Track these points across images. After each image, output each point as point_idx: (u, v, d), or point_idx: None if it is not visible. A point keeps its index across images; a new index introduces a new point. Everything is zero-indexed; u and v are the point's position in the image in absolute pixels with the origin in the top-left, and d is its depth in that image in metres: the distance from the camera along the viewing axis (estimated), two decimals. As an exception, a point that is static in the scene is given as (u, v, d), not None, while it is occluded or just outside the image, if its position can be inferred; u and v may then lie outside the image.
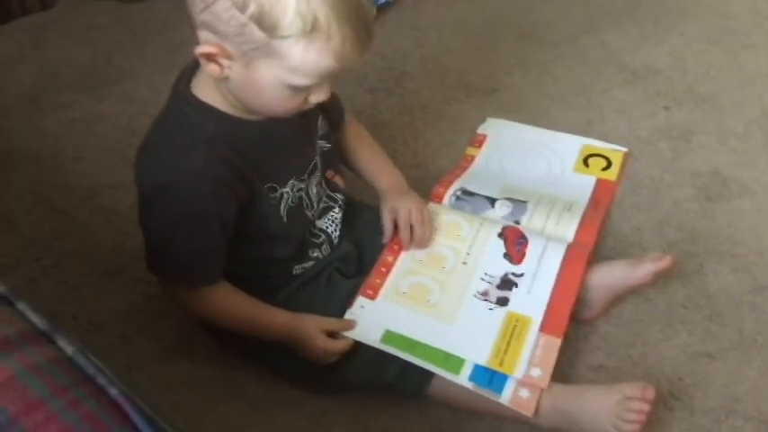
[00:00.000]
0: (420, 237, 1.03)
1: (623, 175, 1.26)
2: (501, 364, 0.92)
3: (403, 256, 1.03)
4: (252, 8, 0.72)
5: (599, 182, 1.23)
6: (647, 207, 1.22)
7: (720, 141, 1.34)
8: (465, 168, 1.26)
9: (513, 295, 0.99)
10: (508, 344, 0.94)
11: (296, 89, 0.79)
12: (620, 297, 1.06)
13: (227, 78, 0.80)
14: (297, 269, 0.97)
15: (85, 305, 1.08)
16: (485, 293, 1.00)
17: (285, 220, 0.91)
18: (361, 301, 0.98)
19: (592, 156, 1.28)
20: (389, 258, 1.03)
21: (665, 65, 1.50)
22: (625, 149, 1.30)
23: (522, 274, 1.01)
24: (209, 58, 0.77)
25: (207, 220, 0.85)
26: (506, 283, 1.01)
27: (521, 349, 0.93)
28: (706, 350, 1.03)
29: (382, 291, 0.99)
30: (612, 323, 1.06)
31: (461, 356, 0.92)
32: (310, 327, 0.91)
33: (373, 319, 0.95)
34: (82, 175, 1.27)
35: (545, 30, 1.59)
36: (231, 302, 0.92)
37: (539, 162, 1.28)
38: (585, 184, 1.22)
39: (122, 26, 1.58)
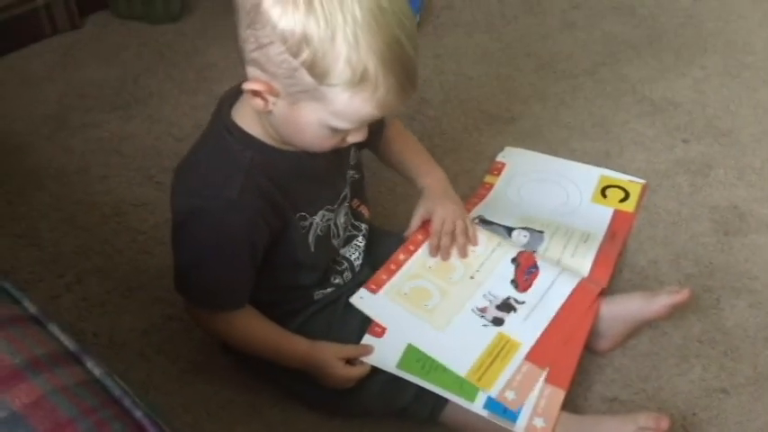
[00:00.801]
0: (445, 248, 1.04)
1: (641, 207, 1.27)
2: (479, 380, 0.93)
3: (414, 258, 1.05)
4: (305, 55, 0.73)
5: (616, 213, 1.24)
6: (663, 240, 1.23)
7: (739, 176, 1.34)
8: (483, 196, 1.27)
9: (510, 318, 1.00)
10: (492, 362, 0.95)
11: (336, 131, 0.81)
12: (635, 329, 1.06)
13: (270, 113, 0.81)
14: (317, 294, 0.98)
15: (106, 323, 1.10)
16: (483, 310, 1.01)
17: (312, 249, 0.92)
18: (361, 292, 0.99)
19: (609, 187, 1.29)
20: (401, 257, 1.04)
21: (684, 98, 1.50)
22: (643, 181, 1.30)
23: (523, 302, 1.02)
24: (256, 93, 0.79)
25: (237, 249, 0.86)
26: (506, 306, 1.02)
27: (503, 369, 0.94)
28: (720, 385, 1.03)
29: (385, 287, 1.01)
30: (628, 356, 1.06)
31: (443, 363, 0.93)
32: (328, 355, 0.92)
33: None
34: (107, 194, 1.29)
35: (564, 61, 1.61)
36: (253, 328, 0.93)
37: (557, 191, 1.29)
38: (603, 214, 1.23)
39: (150, 47, 1.61)
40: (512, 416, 0.91)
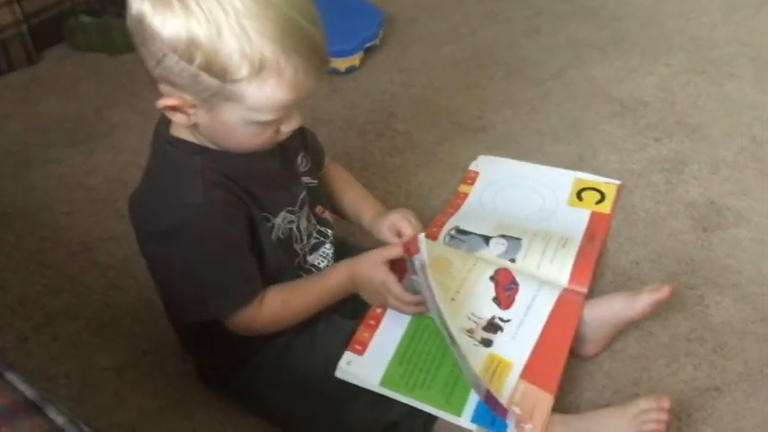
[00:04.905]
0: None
1: (617, 208, 1.26)
2: None
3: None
4: (198, 59, 0.73)
5: (593, 215, 1.22)
6: (643, 240, 1.21)
7: (712, 171, 1.34)
8: (458, 206, 1.25)
9: (498, 338, 0.97)
10: (489, 382, 0.92)
11: (263, 124, 0.79)
12: (619, 331, 1.04)
13: (195, 125, 0.80)
14: None
15: (78, 363, 1.05)
16: (470, 331, 0.98)
17: (278, 251, 0.90)
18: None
19: (585, 189, 1.28)
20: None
21: (652, 96, 1.51)
22: (618, 182, 1.29)
23: (508, 320, 1.00)
24: (174, 108, 0.78)
25: (229, 242, 0.84)
26: (492, 327, 0.99)
27: (500, 389, 0.91)
28: (713, 384, 1.02)
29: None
30: (616, 359, 1.05)
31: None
32: (370, 264, 0.92)
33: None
34: (73, 230, 1.25)
35: (532, 66, 1.60)
36: (287, 296, 0.90)
37: (532, 197, 1.28)
38: (580, 217, 1.22)
39: (110, 78, 1.58)
40: (500, 428, 0.88)
